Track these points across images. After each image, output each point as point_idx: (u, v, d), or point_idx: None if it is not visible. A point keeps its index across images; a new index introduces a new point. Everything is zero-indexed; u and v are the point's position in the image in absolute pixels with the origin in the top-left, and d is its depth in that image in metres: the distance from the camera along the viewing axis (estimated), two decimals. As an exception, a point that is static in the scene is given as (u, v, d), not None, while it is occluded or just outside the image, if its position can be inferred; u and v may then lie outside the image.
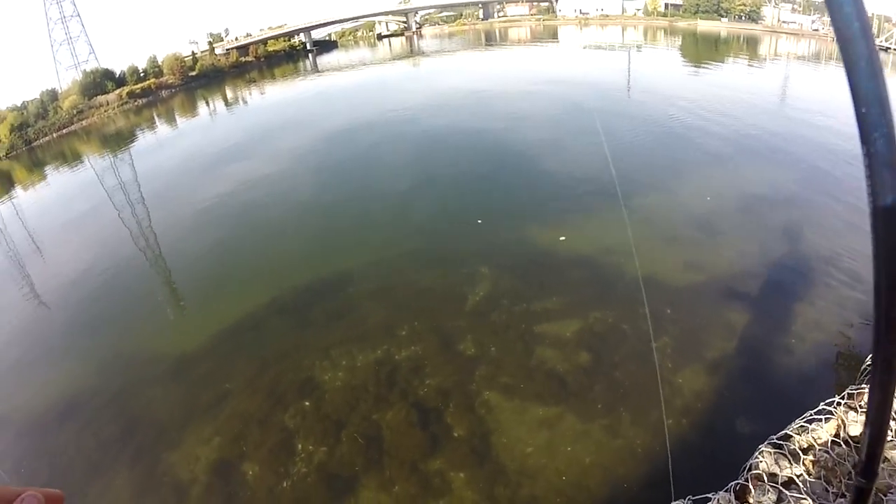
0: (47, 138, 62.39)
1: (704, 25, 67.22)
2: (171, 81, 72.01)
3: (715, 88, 27.07)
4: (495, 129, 24.46)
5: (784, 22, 62.62)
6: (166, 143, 40.72)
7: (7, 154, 59.03)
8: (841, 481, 5.45)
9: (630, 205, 15.38)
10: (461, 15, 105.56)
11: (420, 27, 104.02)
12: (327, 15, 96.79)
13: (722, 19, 67.93)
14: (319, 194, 21.30)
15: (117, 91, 69.03)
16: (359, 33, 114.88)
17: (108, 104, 67.28)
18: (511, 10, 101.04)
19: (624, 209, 13.98)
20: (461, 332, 11.37)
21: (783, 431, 6.24)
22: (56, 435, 11.51)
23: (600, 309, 11.21)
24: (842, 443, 5.80)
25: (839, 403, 6.18)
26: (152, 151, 38.97)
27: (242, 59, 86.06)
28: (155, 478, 9.70)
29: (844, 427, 5.98)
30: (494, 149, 22.20)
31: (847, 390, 6.37)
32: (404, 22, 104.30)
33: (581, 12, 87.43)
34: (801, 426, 6.28)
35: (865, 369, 7.45)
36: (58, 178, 41.47)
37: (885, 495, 4.95)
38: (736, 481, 5.89)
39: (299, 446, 9.43)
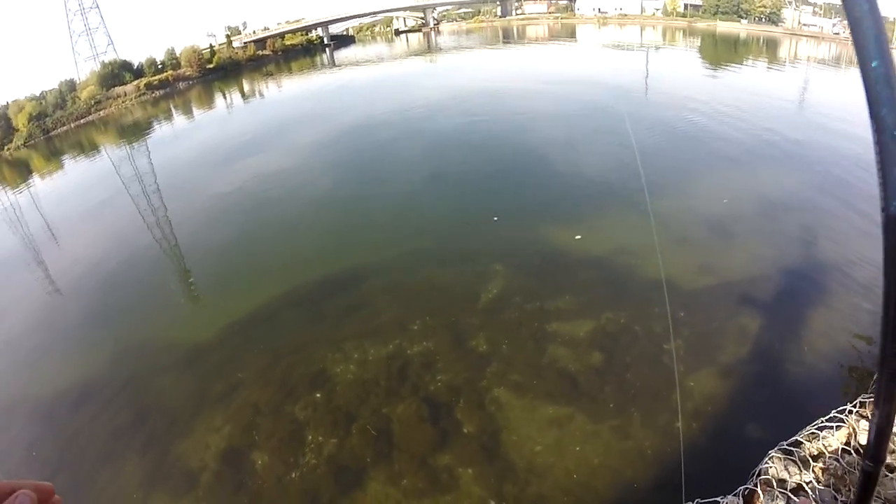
0: (65, 128, 63.22)
1: (724, 27, 66.57)
2: (188, 73, 72.59)
3: (733, 91, 26.82)
4: (511, 127, 24.40)
5: (804, 25, 61.88)
6: (183, 134, 41.03)
7: (25, 143, 59.93)
8: (850, 490, 5.42)
9: (643, 205, 15.29)
10: (479, 11, 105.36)
11: (437, 23, 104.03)
12: (345, 10, 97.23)
13: (741, 21, 67.24)
14: (335, 189, 21.33)
15: (135, 82, 69.73)
16: (376, 29, 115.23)
17: (125, 95, 67.99)
18: (529, 7, 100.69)
19: (651, 211, 13.83)
20: (473, 329, 11.37)
21: (794, 438, 6.21)
22: (69, 421, 11.66)
23: (613, 309, 11.16)
24: (852, 451, 5.77)
25: (850, 412, 6.14)
26: (169, 143, 39.29)
27: (260, 52, 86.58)
28: (165, 465, 9.81)
29: (855, 436, 5.94)
30: (511, 146, 22.13)
31: (859, 399, 6.32)
32: (422, 18, 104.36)
33: (599, 11, 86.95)
34: (812, 433, 6.25)
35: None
36: (75, 168, 41.94)
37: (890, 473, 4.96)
38: (745, 486, 5.87)
39: (309, 437, 9.49)
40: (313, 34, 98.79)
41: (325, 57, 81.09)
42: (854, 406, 6.21)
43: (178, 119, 51.42)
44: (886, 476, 5.19)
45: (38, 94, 69.32)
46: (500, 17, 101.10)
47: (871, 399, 6.28)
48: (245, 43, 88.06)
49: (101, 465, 10.20)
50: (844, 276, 11.45)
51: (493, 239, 15.12)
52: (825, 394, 8.38)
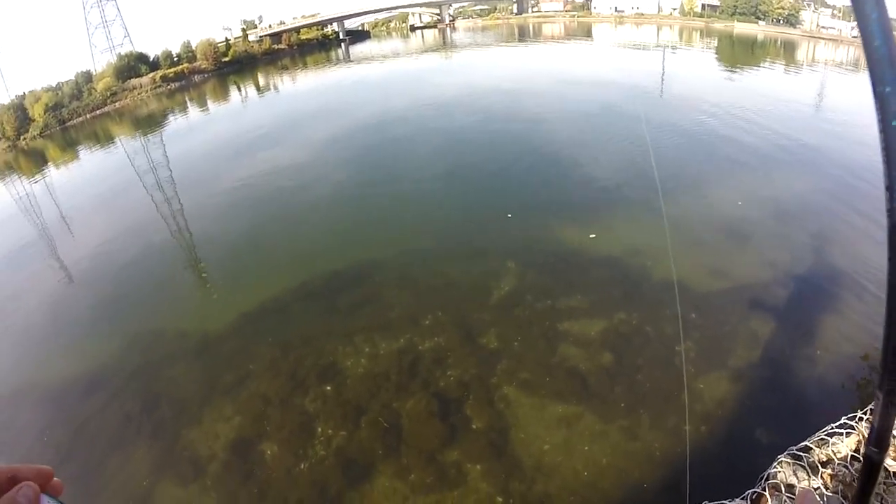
0: (81, 119, 63.81)
1: (741, 28, 65.96)
2: (203, 67, 72.98)
3: (749, 93, 26.60)
4: (527, 126, 24.33)
5: (823, 27, 61.13)
6: (197, 127, 41.29)
7: (41, 133, 60.56)
8: None
9: (657, 206, 15.20)
10: (495, 9, 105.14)
11: (453, 20, 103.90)
12: (361, 5, 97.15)
13: (759, 22, 66.57)
14: (348, 183, 21.38)
15: (151, 74, 70.25)
16: (392, 24, 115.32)
17: (141, 87, 68.52)
18: (545, 5, 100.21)
19: (664, 213, 13.73)
20: (485, 326, 11.39)
21: (803, 443, 6.18)
22: (80, 408, 11.80)
23: (625, 310, 11.13)
24: (861, 459, 5.70)
25: (861, 419, 6.10)
26: (183, 135, 39.54)
27: (275, 46, 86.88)
28: (174, 453, 9.91)
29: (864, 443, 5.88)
30: (526, 145, 22.07)
31: (870, 406, 6.26)
32: (437, 14, 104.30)
33: (616, 10, 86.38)
34: (822, 439, 6.22)
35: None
36: (90, 159, 42.32)
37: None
38: (752, 489, 5.85)
39: (319, 430, 9.55)
40: (329, 29, 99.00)
41: (341, 52, 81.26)
42: (864, 413, 6.17)
43: (193, 112, 51.75)
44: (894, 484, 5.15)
45: (54, 85, 70.02)
46: (516, 14, 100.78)
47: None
48: (261, 37, 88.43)
49: (110, 451, 10.33)
50: (856, 283, 11.33)
51: (507, 236, 15.11)
52: (835, 400, 8.33)
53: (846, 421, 6.15)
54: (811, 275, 11.78)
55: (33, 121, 63.02)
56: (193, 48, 76.36)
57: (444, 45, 73.15)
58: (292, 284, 14.30)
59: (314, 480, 8.71)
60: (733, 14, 68.91)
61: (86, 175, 36.21)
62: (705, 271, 12.22)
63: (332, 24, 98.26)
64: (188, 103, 56.75)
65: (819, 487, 5.60)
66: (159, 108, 57.30)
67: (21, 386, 13.17)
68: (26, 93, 68.01)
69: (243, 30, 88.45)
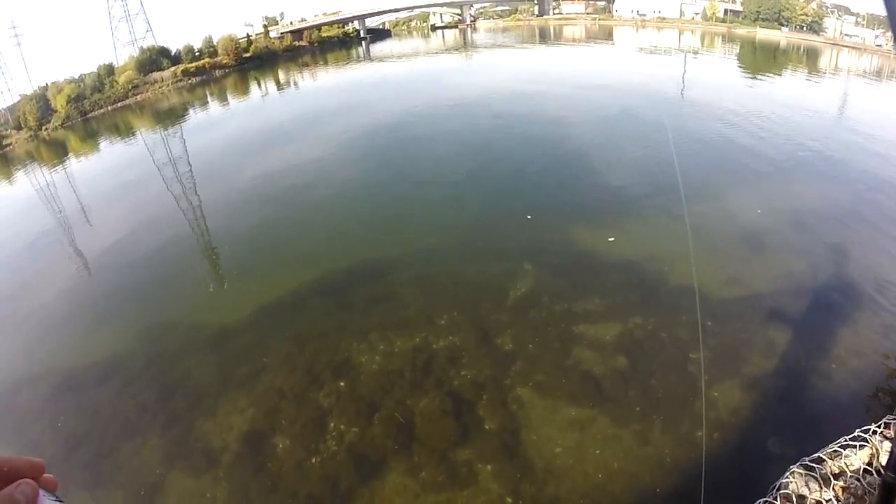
0: (102, 111, 64.69)
1: (764, 34, 65.19)
2: (224, 62, 73.51)
3: (770, 101, 26.28)
4: (547, 128, 24.22)
5: (846, 35, 60.20)
6: (217, 121, 41.61)
7: (63, 124, 61.49)
8: None
9: (676, 211, 15.11)
10: (516, 10, 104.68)
11: (474, 20, 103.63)
12: (382, 4, 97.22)
13: (782, 29, 65.76)
14: (367, 181, 21.44)
15: (172, 68, 70.91)
16: (413, 23, 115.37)
17: (162, 81, 69.24)
18: (567, 7, 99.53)
19: (688, 222, 13.60)
20: (500, 327, 11.39)
21: (816, 454, 6.13)
22: (94, 394, 11.99)
23: (641, 314, 11.07)
24: (874, 472, 5.69)
25: (875, 432, 6.05)
26: (203, 129, 39.87)
27: (296, 43, 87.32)
28: (187, 443, 10.02)
29: (878, 456, 5.86)
30: (547, 146, 21.97)
31: (884, 419, 6.21)
32: (459, 14, 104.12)
33: (638, 13, 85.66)
34: (835, 451, 6.16)
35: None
36: (110, 150, 42.84)
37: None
38: (764, 499, 5.82)
39: (331, 425, 9.60)
40: (350, 27, 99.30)
41: (361, 50, 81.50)
42: (879, 426, 6.11)
43: (214, 106, 52.19)
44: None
45: (76, 77, 71.03)
46: (538, 16, 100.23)
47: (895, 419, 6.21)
48: (282, 33, 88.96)
49: (123, 439, 10.47)
50: (874, 297, 11.18)
51: (525, 237, 15.10)
52: (849, 412, 8.24)
53: (860, 433, 6.10)
54: (827, 287, 11.65)
55: (55, 111, 64.01)
56: (215, 43, 77.00)
57: (465, 45, 73.05)
58: (309, 280, 14.39)
59: (325, 475, 8.76)
60: (756, 20, 68.12)
61: (105, 166, 36.65)
62: (723, 279, 12.13)
63: (353, 22, 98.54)
64: (209, 98, 57.24)
65: (830, 499, 5.57)
66: (180, 102, 57.88)
67: (37, 372, 13.38)
68: (49, 84, 69.10)
69: (265, 26, 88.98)
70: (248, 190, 22.62)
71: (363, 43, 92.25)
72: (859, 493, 5.57)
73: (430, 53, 59.05)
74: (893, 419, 6.27)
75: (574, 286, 12.46)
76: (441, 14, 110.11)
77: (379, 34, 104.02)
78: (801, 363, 9.54)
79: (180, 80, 69.13)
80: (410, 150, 24.50)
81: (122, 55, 77.15)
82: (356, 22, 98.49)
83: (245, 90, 57.60)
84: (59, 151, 48.71)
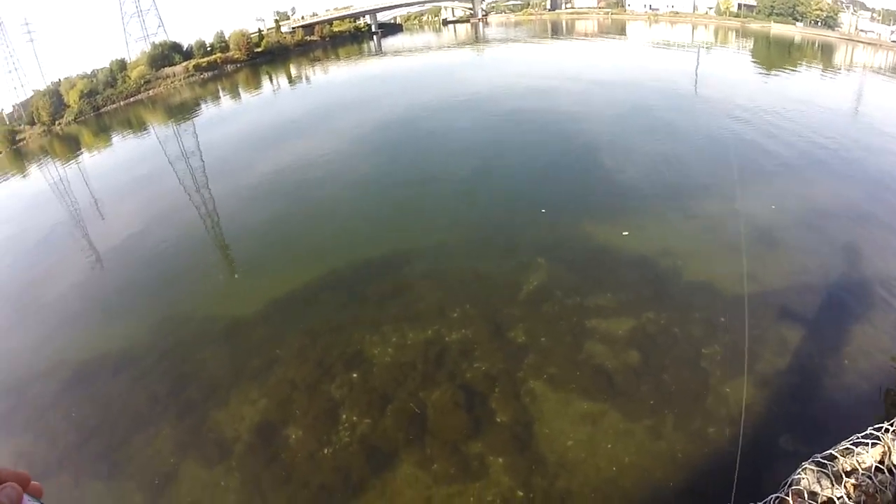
0: (114, 105, 65.09)
1: (778, 28, 64.43)
2: (236, 57, 73.69)
3: (785, 96, 26.02)
4: (561, 123, 24.06)
5: (862, 31, 59.31)
6: (229, 116, 41.72)
7: (76, 119, 61.95)
8: None
9: (691, 207, 15.03)
10: (528, 4, 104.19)
11: (486, 14, 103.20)
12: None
13: (797, 23, 64.96)
14: (379, 175, 21.45)
15: (184, 63, 71.19)
16: (424, 18, 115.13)
17: (174, 76, 69.55)
18: (579, 1, 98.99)
19: (742, 226, 13.37)
20: (513, 320, 11.39)
21: (828, 451, 6.10)
22: (107, 386, 12.13)
23: (654, 310, 11.02)
24: (885, 470, 5.66)
25: (887, 430, 6.00)
26: (215, 124, 39.96)
27: (307, 37, 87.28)
28: (200, 433, 10.11)
29: (890, 454, 5.82)
30: (560, 141, 21.83)
31: (898, 419, 6.16)
32: (470, 8, 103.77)
33: (651, 8, 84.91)
34: (847, 448, 6.13)
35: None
36: (122, 144, 43.08)
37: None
38: (776, 495, 5.80)
39: (343, 416, 9.65)
40: (361, 21, 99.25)
41: (373, 44, 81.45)
42: (891, 424, 6.06)
43: (225, 101, 52.36)
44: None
45: (89, 73, 71.53)
46: (550, 10, 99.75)
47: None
48: (293, 28, 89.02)
49: (136, 429, 10.59)
50: (886, 298, 11.04)
51: (538, 231, 15.06)
52: (861, 411, 8.20)
53: (872, 432, 6.06)
54: (840, 286, 11.53)
55: (68, 107, 64.48)
56: (227, 38, 77.20)
57: (477, 39, 72.78)
58: (321, 274, 14.42)
59: (337, 466, 8.81)
60: (770, 14, 67.32)
61: (118, 161, 36.87)
62: (736, 274, 11.97)
63: (364, 16, 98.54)
64: (220, 93, 57.44)
65: (842, 497, 5.55)
66: (192, 97, 58.13)
67: (51, 364, 13.52)
68: (62, 79, 69.64)
69: (276, 21, 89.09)
70: (260, 184, 22.69)
71: (374, 37, 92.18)
72: (871, 490, 5.54)
73: (442, 48, 58.87)
74: (906, 418, 6.23)
75: (587, 280, 12.43)
76: (453, 8, 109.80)
77: (390, 29, 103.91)
78: (813, 361, 9.47)
79: (192, 75, 69.42)
80: (422, 144, 24.42)
81: (134, 51, 77.70)
82: (367, 16, 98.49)
83: (257, 85, 57.74)
84: (72, 146, 49.08)
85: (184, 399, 11.10)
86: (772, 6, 67.43)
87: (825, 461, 5.93)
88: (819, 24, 63.80)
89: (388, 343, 11.27)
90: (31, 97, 68.15)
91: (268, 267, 15.90)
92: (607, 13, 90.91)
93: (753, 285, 11.62)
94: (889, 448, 5.86)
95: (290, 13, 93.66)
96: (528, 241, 14.47)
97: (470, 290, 12.68)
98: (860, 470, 5.76)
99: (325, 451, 9.12)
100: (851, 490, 5.59)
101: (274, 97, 47.92)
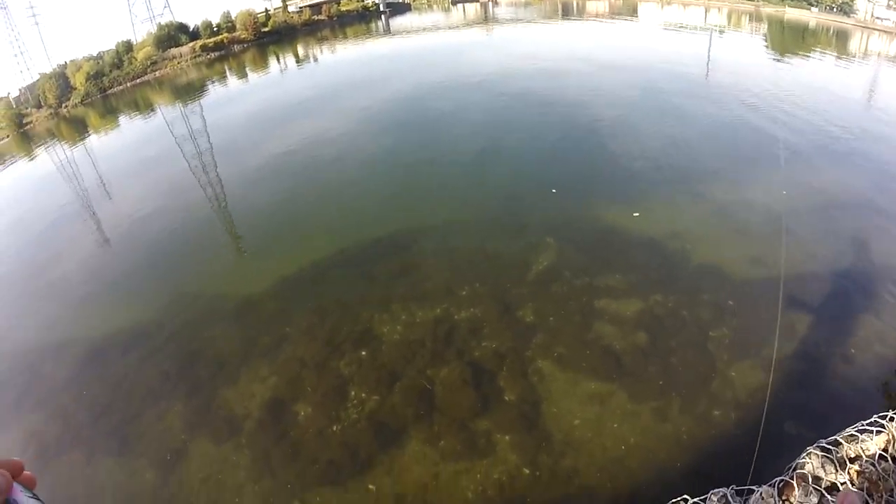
0: (121, 87, 64.92)
1: (792, 13, 63.27)
2: (243, 37, 72.88)
3: (798, 82, 25.66)
4: (572, 104, 23.72)
5: (878, 18, 58.25)
6: (236, 96, 41.39)
7: (82, 101, 61.90)
8: (882, 496, 5.38)
9: (701, 190, 14.93)
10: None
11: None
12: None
13: (812, 8, 63.86)
14: (388, 154, 21.33)
15: (191, 44, 70.66)
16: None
17: (181, 56, 69.12)
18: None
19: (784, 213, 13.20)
20: (522, 299, 11.41)
21: (833, 437, 6.13)
22: (119, 364, 12.25)
23: (662, 292, 11.00)
24: (889, 458, 5.69)
25: (892, 418, 6.03)
26: (222, 104, 39.70)
27: (315, 17, 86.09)
28: (210, 410, 10.24)
29: (894, 443, 5.85)
30: (570, 123, 21.53)
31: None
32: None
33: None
34: (851, 435, 6.16)
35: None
36: (129, 126, 42.97)
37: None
38: (781, 478, 5.84)
39: (352, 393, 9.74)
40: (369, 0, 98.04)
41: (381, 24, 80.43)
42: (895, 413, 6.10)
43: (232, 81, 51.97)
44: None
45: (95, 55, 71.31)
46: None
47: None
48: (300, 8, 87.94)
49: (147, 406, 10.74)
50: (892, 287, 10.97)
51: (547, 211, 15.00)
52: (866, 399, 8.20)
53: (877, 419, 6.09)
54: (849, 273, 11.45)
55: (75, 89, 64.43)
56: (233, 18, 76.45)
57: (486, 20, 71.78)
58: (330, 252, 14.44)
59: (346, 442, 8.91)
60: (784, -1, 66.26)
61: (126, 142, 36.78)
62: (745, 259, 11.99)
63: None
64: (227, 72, 57.01)
65: (845, 482, 5.59)
66: (199, 77, 57.80)
67: (63, 343, 13.70)
68: (68, 62, 69.52)
69: (283, 0, 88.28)
70: (268, 164, 22.63)
71: (383, 17, 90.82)
72: (874, 478, 5.58)
73: (451, 28, 58.05)
74: (912, 406, 6.26)
75: (596, 261, 12.41)
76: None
77: (398, 8, 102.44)
78: (820, 347, 9.45)
79: (199, 56, 68.91)
80: (431, 124, 24.21)
81: (141, 32, 77.13)
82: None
83: (264, 65, 57.26)
84: (79, 128, 49.06)
85: (194, 377, 11.25)
86: (786, -10, 66.32)
87: (830, 447, 5.96)
88: (834, 9, 62.75)
89: (396, 321, 11.33)
90: (38, 80, 68.09)
91: (276, 246, 15.93)
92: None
93: (762, 269, 11.59)
94: (893, 436, 5.89)
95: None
96: (538, 221, 14.42)
97: (479, 269, 12.68)
98: (864, 457, 5.80)
99: (334, 427, 9.22)
100: (855, 476, 5.63)
101: (281, 77, 47.50)
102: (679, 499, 6.04)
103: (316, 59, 53.78)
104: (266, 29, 75.51)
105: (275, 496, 8.40)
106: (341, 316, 11.90)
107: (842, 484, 5.59)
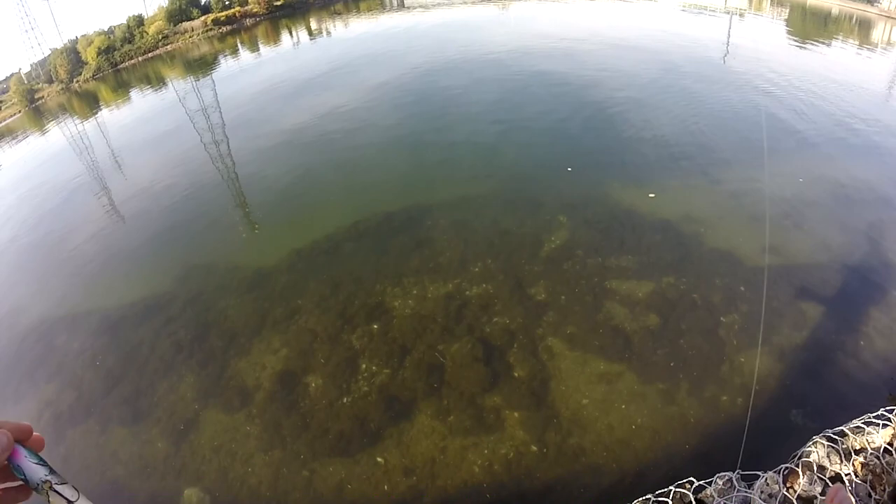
0: (132, 61, 64.90)
1: (815, -1, 62.26)
2: (255, 10, 72.22)
3: (818, 72, 25.11)
4: (588, 83, 23.25)
5: (902, 8, 57.08)
6: (248, 70, 41.12)
7: (94, 75, 61.99)
8: (885, 489, 5.42)
9: (717, 175, 14.78)
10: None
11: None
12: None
13: (834, -5, 62.61)
14: (401, 129, 21.16)
15: (202, 18, 70.29)
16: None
17: (192, 30, 68.81)
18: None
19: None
20: (533, 277, 11.41)
21: (839, 427, 6.15)
22: (133, 334, 12.43)
23: (674, 275, 10.96)
24: (894, 452, 5.70)
25: None
26: (234, 77, 39.46)
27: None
28: (222, 381, 10.40)
29: None
30: (586, 102, 21.03)
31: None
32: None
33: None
34: (857, 427, 6.19)
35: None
36: (141, 100, 42.92)
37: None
38: (786, 465, 5.88)
39: (363, 366, 9.84)
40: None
41: (394, -2, 79.68)
42: (904, 407, 6.12)
43: (244, 55, 51.58)
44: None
45: (106, 29, 71.21)
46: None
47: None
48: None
49: (160, 376, 10.93)
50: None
51: (563, 189, 14.89)
52: (874, 392, 8.15)
53: (884, 412, 6.12)
54: (862, 264, 11.30)
55: (86, 64, 64.45)
56: (246, -9, 75.90)
57: (502, -5, 70.96)
58: (344, 226, 14.46)
59: (356, 414, 9.03)
60: (806, -16, 64.89)
61: (137, 116, 36.80)
62: (758, 246, 11.88)
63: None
64: (239, 46, 56.60)
65: (850, 474, 5.63)
66: (210, 51, 57.46)
67: (77, 315, 13.93)
68: (79, 37, 69.44)
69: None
70: (281, 137, 22.59)
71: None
72: (878, 471, 5.62)
73: (467, 3, 57.20)
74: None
75: (608, 241, 12.35)
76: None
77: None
78: (830, 338, 9.37)
79: (210, 30, 68.52)
80: (446, 100, 23.87)
81: (152, 6, 76.79)
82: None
83: (276, 39, 56.69)
84: (90, 103, 49.10)
85: (207, 348, 11.38)
86: (809, -25, 64.93)
87: (836, 437, 5.99)
88: (858, -3, 61.46)
89: (408, 295, 11.40)
90: (49, 56, 68.14)
91: (289, 219, 16.03)
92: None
93: (775, 258, 11.52)
94: (900, 431, 5.92)
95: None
96: (552, 199, 14.33)
97: (491, 245, 12.67)
98: (869, 449, 5.83)
99: (345, 399, 9.33)
100: (859, 468, 5.67)
101: (294, 51, 47.11)
102: (685, 481, 6.11)
103: (329, 34, 53.23)
104: (278, 2, 74.55)
105: (285, 466, 8.53)
106: (354, 289, 11.98)
107: (846, 475, 5.63)
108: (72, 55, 65.26)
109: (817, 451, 5.97)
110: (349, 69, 32.48)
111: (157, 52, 66.07)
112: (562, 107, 21.00)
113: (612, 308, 10.33)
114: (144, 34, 68.84)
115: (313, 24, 60.31)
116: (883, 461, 5.69)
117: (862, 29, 41.68)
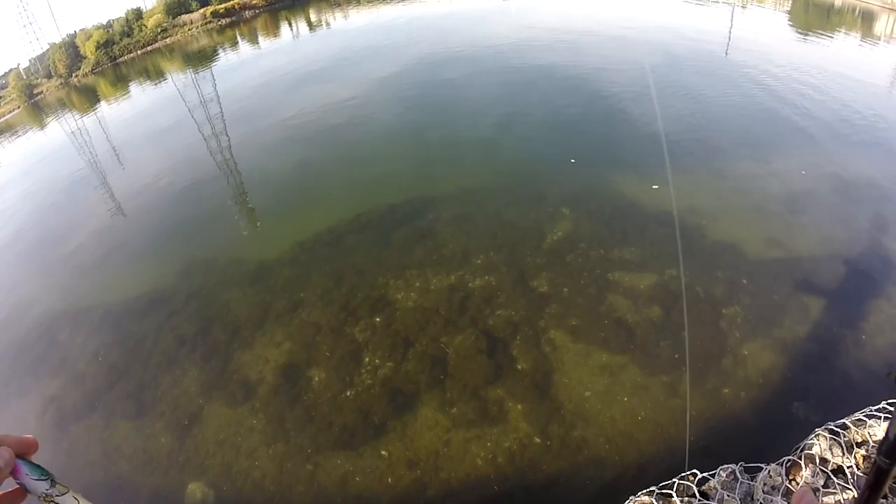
0: (131, 55, 64.87)
1: (817, -9, 61.93)
2: (254, 2, 72.04)
3: (820, 64, 24.94)
4: (591, 75, 23.11)
5: (905, 0, 56.74)
6: (248, 62, 41.02)
7: (93, 70, 61.93)
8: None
9: (720, 167, 14.74)
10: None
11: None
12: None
13: (837, -13, 62.30)
14: (404, 121, 21.07)
15: (201, 10, 70.12)
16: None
17: (191, 23, 68.68)
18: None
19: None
20: (536, 269, 11.39)
21: (841, 420, 6.15)
22: (136, 328, 12.47)
23: (677, 267, 10.93)
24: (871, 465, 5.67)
25: None
26: (234, 70, 39.37)
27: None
28: (225, 374, 10.42)
29: None
30: (589, 93, 20.85)
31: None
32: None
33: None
34: (859, 420, 6.18)
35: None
36: (140, 94, 42.85)
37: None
38: (789, 457, 5.89)
39: (366, 359, 9.85)
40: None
41: (395, -12, 79.21)
42: (907, 399, 6.11)
43: (244, 47, 51.38)
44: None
45: (105, 23, 71.02)
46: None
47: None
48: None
49: (163, 370, 10.96)
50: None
51: (566, 181, 14.83)
52: (876, 385, 8.10)
53: (886, 405, 6.11)
54: (865, 258, 11.25)
55: (85, 58, 64.32)
56: (245, -16, 75.56)
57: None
58: (346, 218, 14.45)
59: (359, 407, 9.05)
60: (808, -24, 64.56)
61: (137, 110, 36.74)
62: (760, 238, 11.87)
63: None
64: (239, 39, 56.39)
65: (852, 466, 5.63)
66: (210, 44, 57.23)
67: (78, 310, 13.96)
68: (77, 31, 69.30)
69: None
70: (281, 130, 22.55)
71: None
72: None
73: (467, -7, 56.92)
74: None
75: (611, 233, 12.31)
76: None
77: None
78: (833, 331, 9.33)
79: (209, 22, 68.35)
80: (448, 91, 23.79)
81: (150, -1, 76.59)
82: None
83: (276, 30, 56.41)
84: (90, 97, 49.03)
85: (210, 342, 11.40)
86: (811, -34, 64.60)
87: (838, 429, 5.99)
88: (860, -12, 61.15)
89: (411, 288, 11.39)
90: (47, 50, 68.00)
91: (291, 212, 16.02)
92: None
93: (777, 249, 11.50)
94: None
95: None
96: (555, 191, 14.27)
97: (494, 238, 12.65)
98: (871, 442, 5.82)
99: (348, 392, 9.35)
100: (861, 461, 5.66)
101: (294, 43, 46.91)
102: (688, 473, 6.11)
103: (329, 25, 53.01)
104: (277, -7, 74.34)
105: (289, 459, 8.56)
106: (357, 281, 11.98)
107: (848, 467, 5.64)
108: (70, 50, 65.18)
109: (819, 444, 5.96)
110: (350, 61, 32.31)
111: (156, 45, 65.99)
112: (564, 99, 20.90)
113: (615, 300, 10.31)
114: (143, 27, 68.76)
115: (313, 16, 60.02)
116: (884, 454, 5.68)
117: (865, 21, 41.45)
